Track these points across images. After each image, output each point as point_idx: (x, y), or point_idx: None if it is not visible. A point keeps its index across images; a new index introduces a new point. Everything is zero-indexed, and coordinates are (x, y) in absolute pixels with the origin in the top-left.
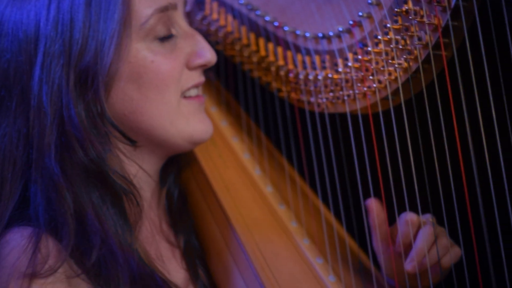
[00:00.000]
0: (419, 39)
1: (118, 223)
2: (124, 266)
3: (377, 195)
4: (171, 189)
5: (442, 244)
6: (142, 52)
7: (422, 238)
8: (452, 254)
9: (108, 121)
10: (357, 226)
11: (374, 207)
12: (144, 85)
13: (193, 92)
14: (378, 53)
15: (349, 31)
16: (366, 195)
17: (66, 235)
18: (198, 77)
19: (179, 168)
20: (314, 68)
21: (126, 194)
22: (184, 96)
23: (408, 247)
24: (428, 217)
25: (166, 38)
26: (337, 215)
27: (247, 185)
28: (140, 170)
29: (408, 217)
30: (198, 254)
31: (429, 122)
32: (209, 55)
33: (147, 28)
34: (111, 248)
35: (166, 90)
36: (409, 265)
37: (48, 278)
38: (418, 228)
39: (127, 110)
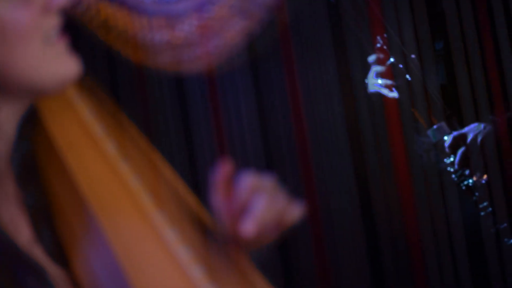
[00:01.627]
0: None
1: None
2: None
3: (216, 153)
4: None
5: (281, 204)
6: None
7: (259, 203)
8: (289, 216)
9: None
10: (192, 181)
11: (225, 170)
12: (9, 41)
13: (55, 34)
14: (219, 16)
15: None
16: (205, 153)
17: None
18: (57, 18)
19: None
20: (154, 30)
21: None
22: (48, 40)
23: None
24: (268, 177)
25: None
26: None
27: (89, 143)
28: None
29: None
30: (44, 211)
31: (273, 84)
32: None
33: None
34: None
35: (30, 41)
36: (246, 229)
37: None
38: (255, 189)
39: None
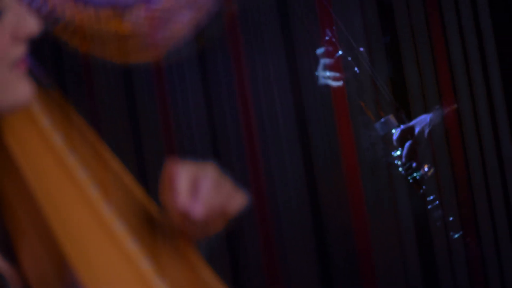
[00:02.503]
0: None
1: None
2: None
3: (164, 145)
4: None
5: (226, 191)
6: None
7: (205, 188)
8: (235, 203)
9: None
10: (140, 172)
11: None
12: None
13: (18, 60)
14: (167, 7)
15: None
16: (153, 144)
17: None
18: (23, 46)
19: None
20: (101, 21)
21: None
22: (11, 66)
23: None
24: (213, 165)
25: None
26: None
27: (36, 135)
28: None
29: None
30: None
31: (220, 75)
32: (35, 26)
33: None
34: None
35: None
36: (193, 212)
37: None
38: (200, 176)
39: None
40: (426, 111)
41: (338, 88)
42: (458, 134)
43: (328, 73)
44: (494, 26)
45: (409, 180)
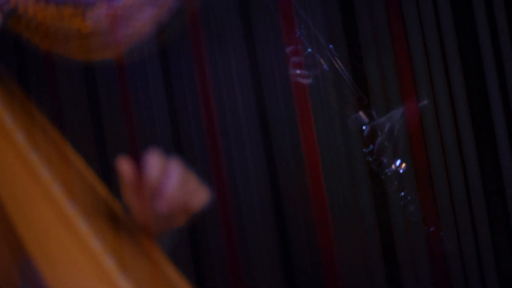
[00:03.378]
0: None
1: None
2: None
3: (130, 143)
4: None
5: (190, 187)
6: None
7: (168, 182)
8: (198, 198)
9: None
10: (103, 170)
11: (125, 167)
12: None
13: None
14: (129, 4)
15: None
16: (116, 142)
17: None
18: None
19: None
20: (63, 18)
21: None
22: None
23: (156, 190)
24: (176, 160)
25: None
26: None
27: None
28: None
29: (152, 161)
30: None
31: (182, 72)
32: None
33: None
34: None
35: None
36: (161, 207)
37: None
38: (164, 170)
39: None
40: (388, 108)
41: (300, 84)
42: (420, 130)
43: (298, 71)
44: (455, 24)
45: (381, 176)
